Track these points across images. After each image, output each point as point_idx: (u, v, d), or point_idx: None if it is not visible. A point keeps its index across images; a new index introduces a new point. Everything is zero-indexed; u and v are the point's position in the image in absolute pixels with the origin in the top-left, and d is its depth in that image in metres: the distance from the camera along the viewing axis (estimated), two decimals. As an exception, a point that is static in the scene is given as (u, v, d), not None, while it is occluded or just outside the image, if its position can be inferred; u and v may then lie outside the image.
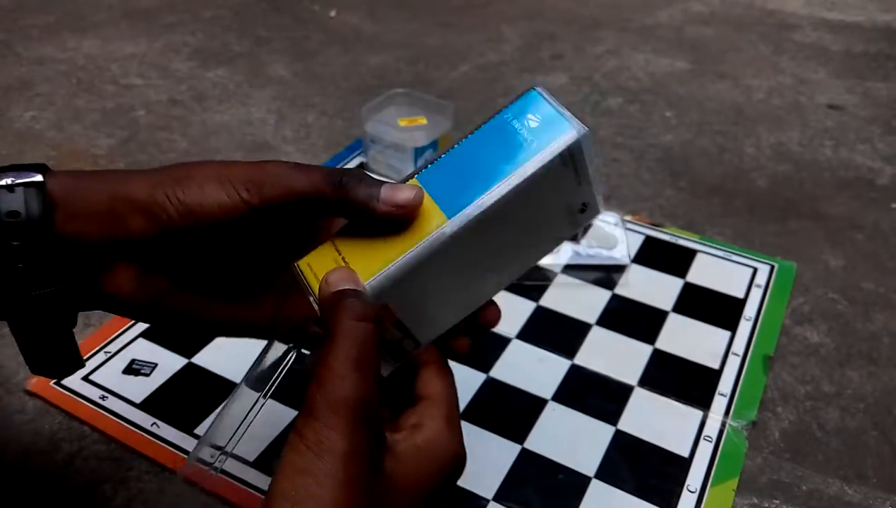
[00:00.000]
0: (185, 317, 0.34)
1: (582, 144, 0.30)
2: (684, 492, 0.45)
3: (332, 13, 1.08)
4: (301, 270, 0.32)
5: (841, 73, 0.96)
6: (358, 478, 0.27)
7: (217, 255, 0.33)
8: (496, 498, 0.44)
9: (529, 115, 0.31)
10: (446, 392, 0.33)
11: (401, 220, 0.31)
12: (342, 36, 1.02)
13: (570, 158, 0.30)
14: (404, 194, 0.30)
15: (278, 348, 0.33)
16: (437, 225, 0.30)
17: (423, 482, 0.30)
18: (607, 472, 0.45)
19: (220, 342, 0.52)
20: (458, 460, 0.32)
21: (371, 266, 0.31)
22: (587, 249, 0.61)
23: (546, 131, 0.30)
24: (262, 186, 0.30)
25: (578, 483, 0.45)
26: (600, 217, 0.67)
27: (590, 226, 0.65)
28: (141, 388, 0.49)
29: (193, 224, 0.30)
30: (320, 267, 0.31)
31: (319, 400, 0.27)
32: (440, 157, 0.32)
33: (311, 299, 0.31)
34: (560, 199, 0.32)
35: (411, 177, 0.32)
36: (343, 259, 0.31)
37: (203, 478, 0.32)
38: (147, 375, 0.50)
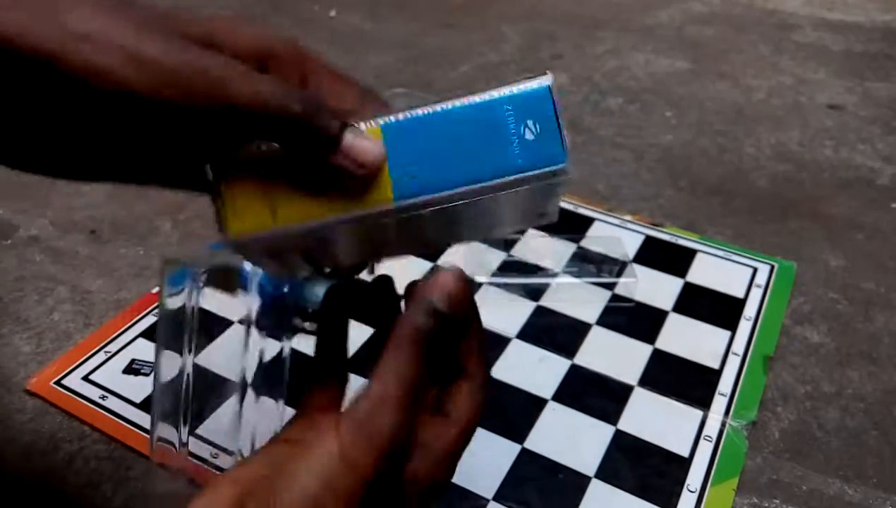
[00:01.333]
0: None
1: (567, 177, 0.27)
2: (684, 492, 0.45)
3: (332, 13, 1.08)
4: (221, 193, 0.27)
5: (841, 73, 0.96)
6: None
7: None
8: (496, 498, 0.44)
9: (529, 122, 0.27)
10: (467, 422, 0.31)
11: (348, 175, 0.26)
12: (342, 36, 1.02)
13: (548, 187, 0.28)
14: (370, 154, 0.26)
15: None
16: (380, 200, 0.27)
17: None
18: (607, 472, 0.45)
19: (220, 342, 0.52)
20: (436, 489, 0.30)
21: (292, 213, 0.27)
22: (591, 268, 0.60)
23: (539, 151, 0.27)
24: (189, 86, 0.24)
25: (578, 483, 0.45)
26: (602, 217, 0.67)
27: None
28: (141, 388, 0.49)
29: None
30: (245, 201, 0.27)
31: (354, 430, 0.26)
32: (415, 114, 0.27)
33: (221, 232, 0.27)
34: (520, 208, 0.30)
35: (375, 118, 0.27)
36: (271, 197, 0.27)
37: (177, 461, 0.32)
38: (147, 375, 0.50)
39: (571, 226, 0.65)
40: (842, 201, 0.72)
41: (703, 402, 0.50)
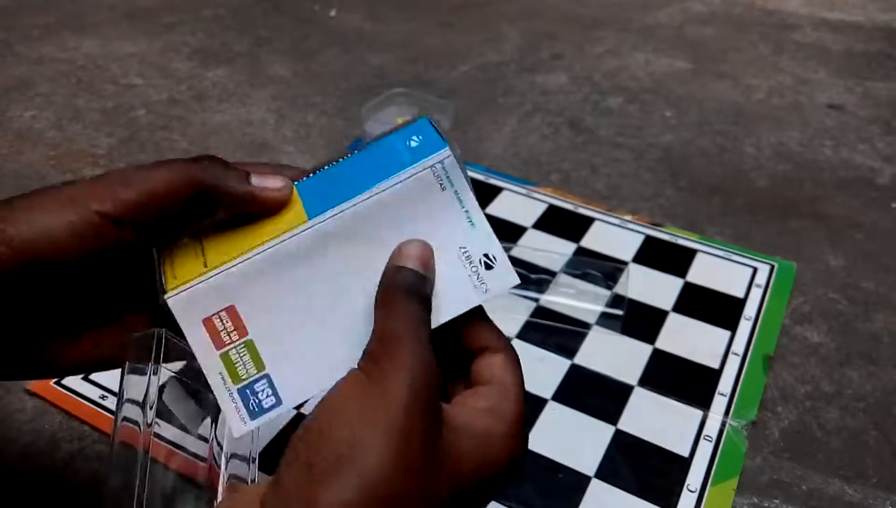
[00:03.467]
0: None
1: (456, 164, 0.30)
2: (684, 492, 0.45)
3: (332, 13, 1.08)
4: (161, 260, 0.31)
5: (841, 73, 0.96)
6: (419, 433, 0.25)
7: (66, 289, 0.30)
8: (496, 498, 0.44)
9: (413, 137, 0.31)
10: (520, 387, 0.31)
11: (266, 210, 0.30)
12: (342, 36, 1.02)
13: (446, 178, 0.30)
14: (274, 182, 0.30)
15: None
16: (297, 223, 0.30)
17: (477, 470, 0.27)
18: (607, 472, 0.45)
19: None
20: (516, 463, 0.29)
21: (219, 257, 0.30)
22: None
23: (423, 149, 0.30)
24: (114, 195, 0.28)
25: (578, 483, 0.45)
26: (602, 217, 0.67)
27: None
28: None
29: (36, 260, 0.27)
30: (181, 262, 0.31)
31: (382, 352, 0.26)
32: (321, 169, 0.32)
33: (161, 294, 0.30)
34: (448, 236, 0.31)
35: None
36: (203, 251, 0.31)
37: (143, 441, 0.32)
38: (145, 374, 0.50)
39: (571, 226, 0.65)
40: (842, 201, 0.72)
41: (703, 402, 0.50)
